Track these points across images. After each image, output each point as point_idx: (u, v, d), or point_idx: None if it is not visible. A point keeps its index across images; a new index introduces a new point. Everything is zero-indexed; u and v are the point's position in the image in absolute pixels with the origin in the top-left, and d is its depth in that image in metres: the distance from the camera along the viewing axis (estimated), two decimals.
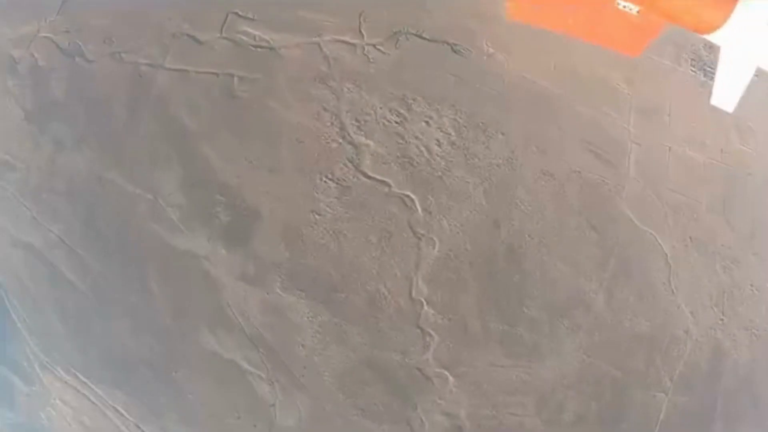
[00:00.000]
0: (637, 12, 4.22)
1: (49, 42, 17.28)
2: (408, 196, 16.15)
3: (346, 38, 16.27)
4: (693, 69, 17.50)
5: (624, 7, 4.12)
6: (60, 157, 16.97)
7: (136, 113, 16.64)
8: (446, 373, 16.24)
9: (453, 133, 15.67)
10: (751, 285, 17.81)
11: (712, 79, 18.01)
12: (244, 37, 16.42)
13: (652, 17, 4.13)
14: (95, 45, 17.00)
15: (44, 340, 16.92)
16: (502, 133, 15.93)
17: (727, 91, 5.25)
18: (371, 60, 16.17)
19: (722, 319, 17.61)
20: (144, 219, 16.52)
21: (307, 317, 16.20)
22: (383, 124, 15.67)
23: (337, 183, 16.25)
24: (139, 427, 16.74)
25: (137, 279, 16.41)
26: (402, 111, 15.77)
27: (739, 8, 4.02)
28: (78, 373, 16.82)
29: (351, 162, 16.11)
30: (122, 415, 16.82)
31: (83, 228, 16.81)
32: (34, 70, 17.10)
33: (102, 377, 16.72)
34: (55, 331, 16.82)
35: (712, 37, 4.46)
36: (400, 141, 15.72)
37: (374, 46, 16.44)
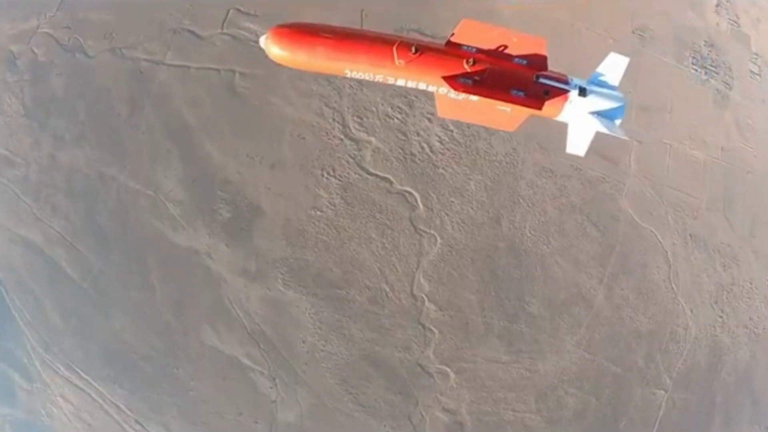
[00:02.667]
0: (509, 110, 7.06)
1: (49, 38, 17.20)
2: (409, 192, 16.15)
3: None
4: (694, 67, 17.50)
5: (501, 107, 6.93)
6: (60, 153, 16.91)
7: (136, 109, 16.58)
8: (447, 369, 16.27)
9: (455, 130, 15.65)
10: (751, 283, 17.86)
11: (713, 77, 18.02)
12: (246, 33, 16.35)
13: (518, 110, 7.03)
14: (95, 41, 16.95)
15: (45, 337, 16.86)
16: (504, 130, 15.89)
17: (577, 145, 7.80)
18: None
19: (722, 317, 17.67)
20: (145, 215, 16.49)
21: (309, 313, 16.20)
22: (385, 120, 15.66)
23: (338, 179, 16.26)
24: (140, 424, 16.71)
25: (138, 275, 16.38)
26: (404, 107, 15.74)
27: (566, 106, 7.24)
28: (79, 370, 16.74)
29: (353, 158, 16.11)
30: (123, 411, 16.78)
31: (83, 224, 16.76)
32: (34, 66, 17.01)
33: (103, 374, 16.66)
34: (56, 327, 16.75)
35: (557, 118, 7.44)
36: (402, 137, 15.70)
37: None
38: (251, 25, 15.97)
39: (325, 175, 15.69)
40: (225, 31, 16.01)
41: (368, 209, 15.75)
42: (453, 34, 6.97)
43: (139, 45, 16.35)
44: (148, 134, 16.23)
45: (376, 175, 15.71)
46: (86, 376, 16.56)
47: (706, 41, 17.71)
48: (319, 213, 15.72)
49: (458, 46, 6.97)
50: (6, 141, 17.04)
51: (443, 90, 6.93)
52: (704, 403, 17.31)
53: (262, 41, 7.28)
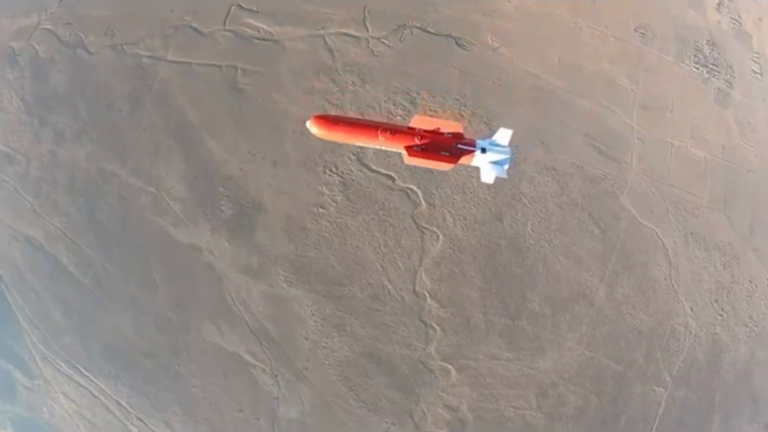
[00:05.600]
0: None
1: (50, 34, 17.15)
2: (412, 189, 16.17)
3: (351, 31, 16.28)
4: (696, 65, 17.53)
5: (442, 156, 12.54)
6: (61, 150, 16.88)
7: (137, 105, 16.56)
8: (449, 366, 16.31)
9: None
10: (750, 281, 17.93)
11: (714, 76, 18.04)
12: (248, 30, 16.35)
13: (448, 160, 12.39)
14: (96, 37, 16.92)
15: (46, 334, 16.83)
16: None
17: (487, 177, 12.31)
18: (376, 53, 16.17)
19: (722, 315, 17.75)
20: (146, 212, 16.48)
21: (311, 310, 16.22)
22: (387, 117, 15.63)
23: (340, 176, 16.26)
24: (141, 421, 16.72)
25: (139, 272, 16.38)
26: (406, 104, 15.75)
27: (474, 159, 12.24)
28: (80, 367, 16.73)
29: (355, 155, 16.09)
30: (124, 408, 16.79)
31: (84, 221, 16.74)
32: (34, 62, 16.97)
33: (104, 370, 16.65)
34: (57, 324, 16.74)
35: (471, 164, 12.44)
36: None
37: (379, 39, 16.43)
38: (253, 22, 15.94)
39: (328, 172, 15.70)
40: (227, 27, 15.99)
41: (370, 206, 15.76)
42: (410, 123, 12.00)
43: (140, 41, 16.32)
44: (150, 131, 16.20)
45: (379, 172, 15.73)
46: (87, 373, 16.55)
47: (707, 40, 17.73)
48: (321, 210, 15.73)
49: (413, 129, 11.89)
50: (6, 137, 17.00)
51: (405, 152, 11.87)
52: (704, 401, 17.39)
53: (308, 124, 11.86)
